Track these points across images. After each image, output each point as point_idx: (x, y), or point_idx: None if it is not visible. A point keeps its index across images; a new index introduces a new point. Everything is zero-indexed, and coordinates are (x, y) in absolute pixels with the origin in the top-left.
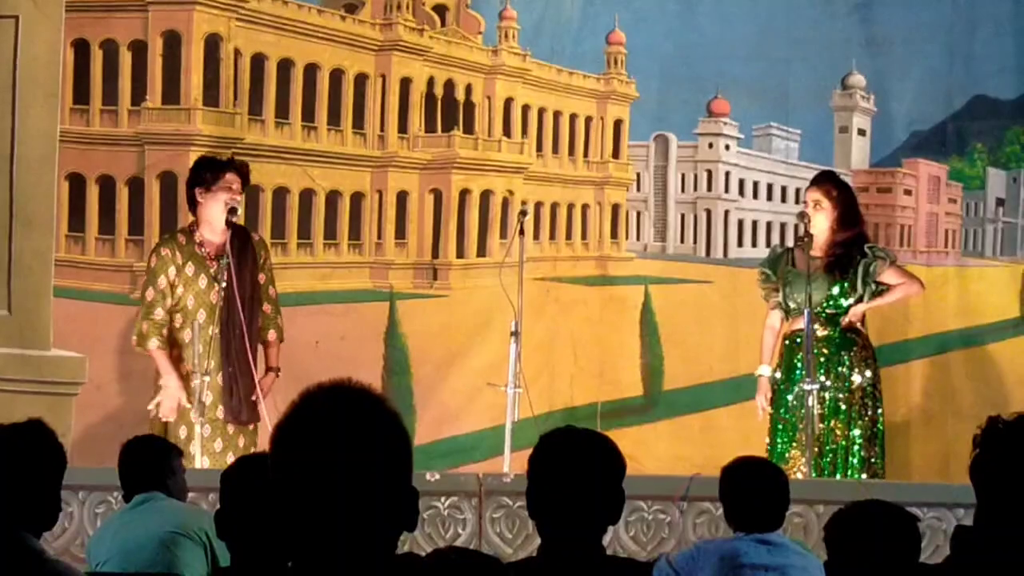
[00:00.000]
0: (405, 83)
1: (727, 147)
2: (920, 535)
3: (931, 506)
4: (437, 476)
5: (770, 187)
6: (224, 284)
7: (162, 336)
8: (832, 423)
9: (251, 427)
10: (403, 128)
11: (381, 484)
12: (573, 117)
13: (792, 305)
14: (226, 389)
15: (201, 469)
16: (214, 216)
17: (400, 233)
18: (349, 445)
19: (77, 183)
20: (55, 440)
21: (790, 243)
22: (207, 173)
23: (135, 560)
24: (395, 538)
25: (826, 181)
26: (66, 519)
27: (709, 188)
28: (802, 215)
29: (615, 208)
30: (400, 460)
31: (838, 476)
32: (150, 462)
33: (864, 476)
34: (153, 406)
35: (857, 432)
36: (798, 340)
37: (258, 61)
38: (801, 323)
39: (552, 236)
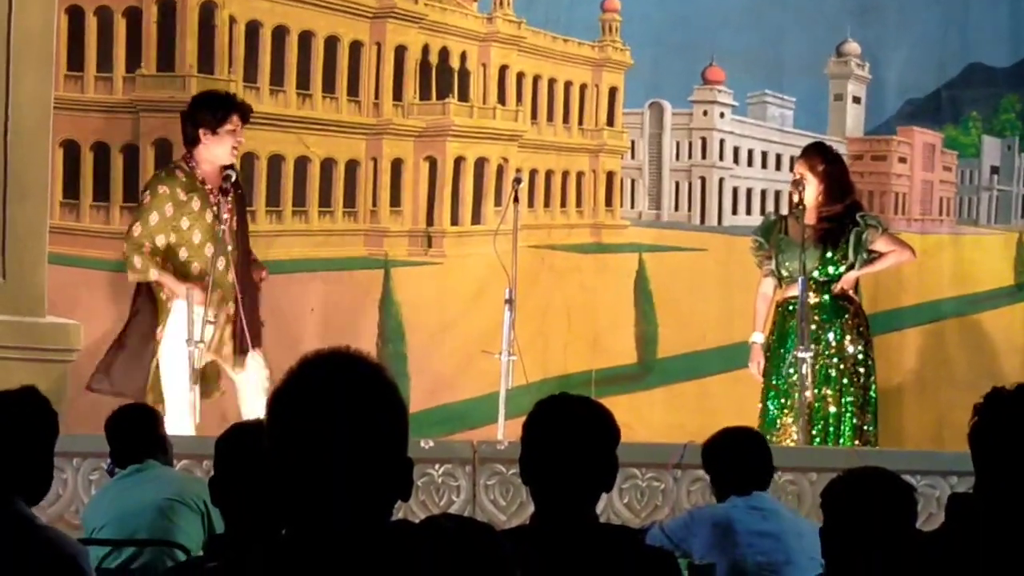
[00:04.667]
0: (400, 51)
1: (722, 115)
2: (916, 503)
3: (924, 474)
4: (431, 443)
5: (764, 155)
6: (226, 218)
7: (158, 263)
8: (823, 391)
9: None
10: (398, 96)
11: (377, 453)
12: (568, 85)
13: (785, 273)
14: (236, 321)
15: (197, 436)
16: (216, 158)
17: (395, 201)
18: (346, 413)
19: (72, 150)
20: (48, 407)
21: (784, 211)
22: (210, 114)
23: (131, 527)
24: (389, 507)
25: (813, 154)
26: (60, 486)
27: (704, 156)
28: (796, 183)
29: (610, 176)
30: (396, 429)
31: (829, 444)
32: (142, 431)
33: (856, 444)
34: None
35: (849, 400)
36: (791, 307)
37: (253, 28)
38: (794, 290)
39: (547, 204)
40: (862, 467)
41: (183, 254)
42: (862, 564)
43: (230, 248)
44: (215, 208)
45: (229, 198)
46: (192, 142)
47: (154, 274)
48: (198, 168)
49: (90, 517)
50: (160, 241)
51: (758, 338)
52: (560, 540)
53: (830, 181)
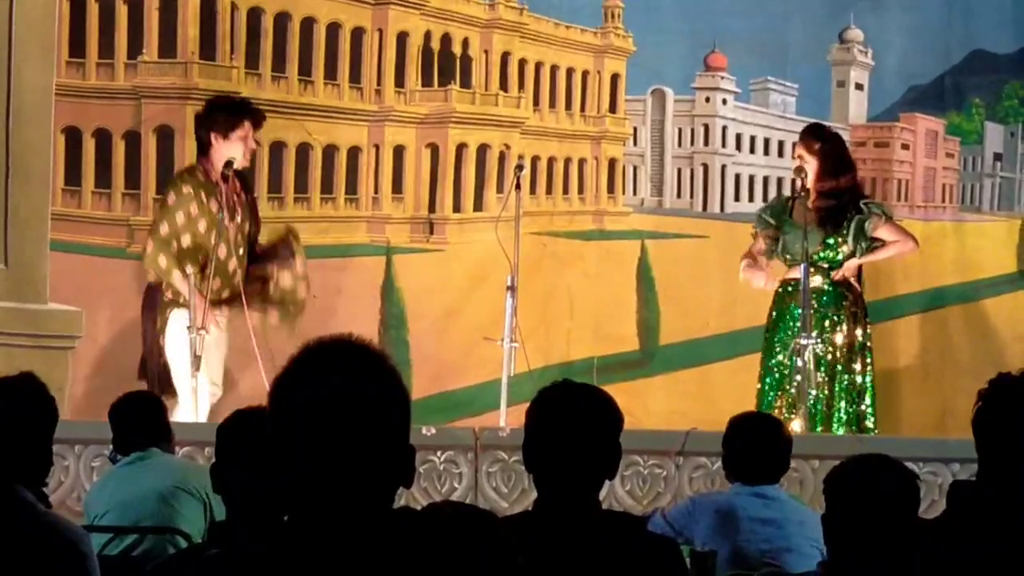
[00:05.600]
0: (402, 37)
1: (724, 101)
2: (919, 490)
3: (927, 461)
4: (433, 430)
5: (767, 141)
6: (239, 219)
7: (182, 267)
8: (817, 376)
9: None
10: (400, 82)
11: (379, 440)
12: (570, 71)
13: (788, 255)
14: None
15: (199, 423)
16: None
17: (397, 187)
18: (348, 400)
19: (73, 137)
20: (47, 393)
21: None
22: (224, 118)
23: (134, 514)
24: (392, 493)
25: (809, 135)
26: (62, 473)
27: (706, 142)
28: (798, 170)
29: (612, 163)
30: (398, 416)
31: (819, 429)
32: (146, 418)
33: (855, 431)
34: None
35: (843, 386)
36: (790, 288)
37: (255, 15)
38: (795, 273)
39: (549, 191)
40: (865, 454)
41: (200, 257)
42: (865, 551)
43: (241, 251)
44: (230, 207)
45: (236, 197)
46: (204, 147)
47: (177, 275)
48: (212, 172)
49: (92, 504)
50: (186, 241)
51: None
52: (563, 527)
53: (825, 158)
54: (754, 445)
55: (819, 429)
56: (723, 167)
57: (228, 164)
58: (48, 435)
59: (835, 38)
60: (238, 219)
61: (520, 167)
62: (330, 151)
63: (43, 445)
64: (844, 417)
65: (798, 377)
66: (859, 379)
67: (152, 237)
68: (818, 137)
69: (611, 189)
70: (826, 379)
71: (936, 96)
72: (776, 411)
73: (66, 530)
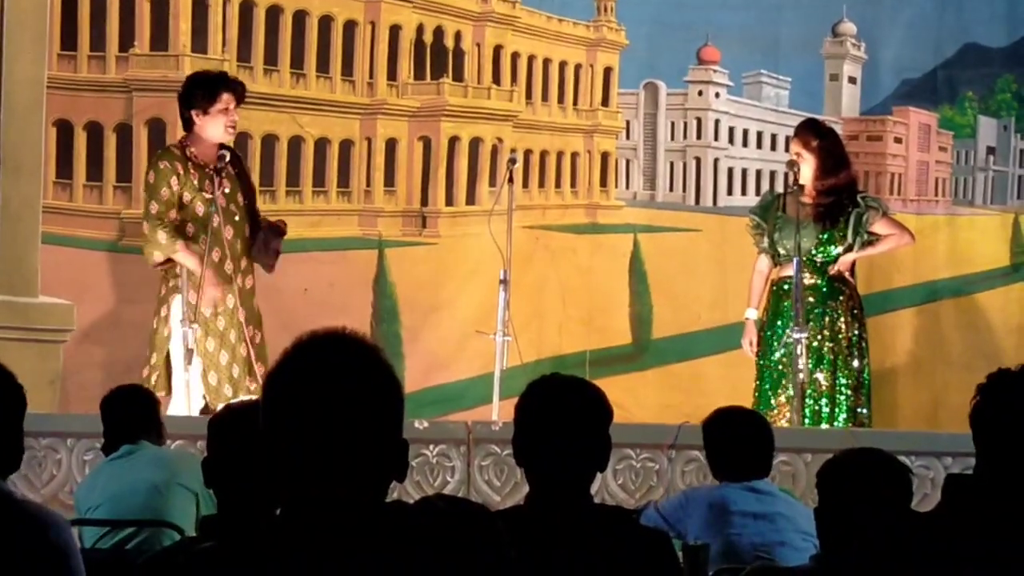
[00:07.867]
0: (394, 30)
1: (717, 95)
2: (912, 484)
3: (919, 455)
4: (426, 424)
5: (760, 135)
6: (228, 190)
7: (184, 239)
8: (816, 373)
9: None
10: (392, 75)
11: (372, 433)
12: (563, 65)
13: (782, 251)
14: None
15: (190, 416)
16: (211, 137)
17: (389, 181)
18: (341, 394)
19: (65, 130)
20: (14, 381)
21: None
22: (202, 94)
23: (126, 507)
24: (385, 487)
25: (805, 131)
26: (54, 466)
27: (699, 136)
28: (791, 164)
29: (604, 156)
30: (392, 410)
31: (823, 425)
32: (136, 412)
33: (851, 426)
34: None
35: (843, 382)
36: (785, 287)
37: (247, 7)
38: (789, 270)
39: (541, 184)
40: (857, 448)
41: (189, 229)
42: (857, 545)
43: (237, 218)
44: (215, 179)
45: (223, 174)
46: (188, 125)
47: (180, 246)
48: (192, 147)
49: (83, 498)
50: (173, 215)
51: (752, 314)
52: (555, 521)
53: (824, 155)
54: (733, 444)
55: (823, 425)
56: (716, 161)
57: (221, 157)
58: (17, 424)
59: (828, 32)
60: (226, 189)
61: (513, 160)
62: (322, 144)
63: (12, 434)
64: (847, 415)
65: (800, 374)
66: (858, 375)
67: (146, 220)
68: (816, 134)
69: (603, 183)
70: (830, 375)
71: (929, 90)
72: (777, 409)
73: (43, 518)
